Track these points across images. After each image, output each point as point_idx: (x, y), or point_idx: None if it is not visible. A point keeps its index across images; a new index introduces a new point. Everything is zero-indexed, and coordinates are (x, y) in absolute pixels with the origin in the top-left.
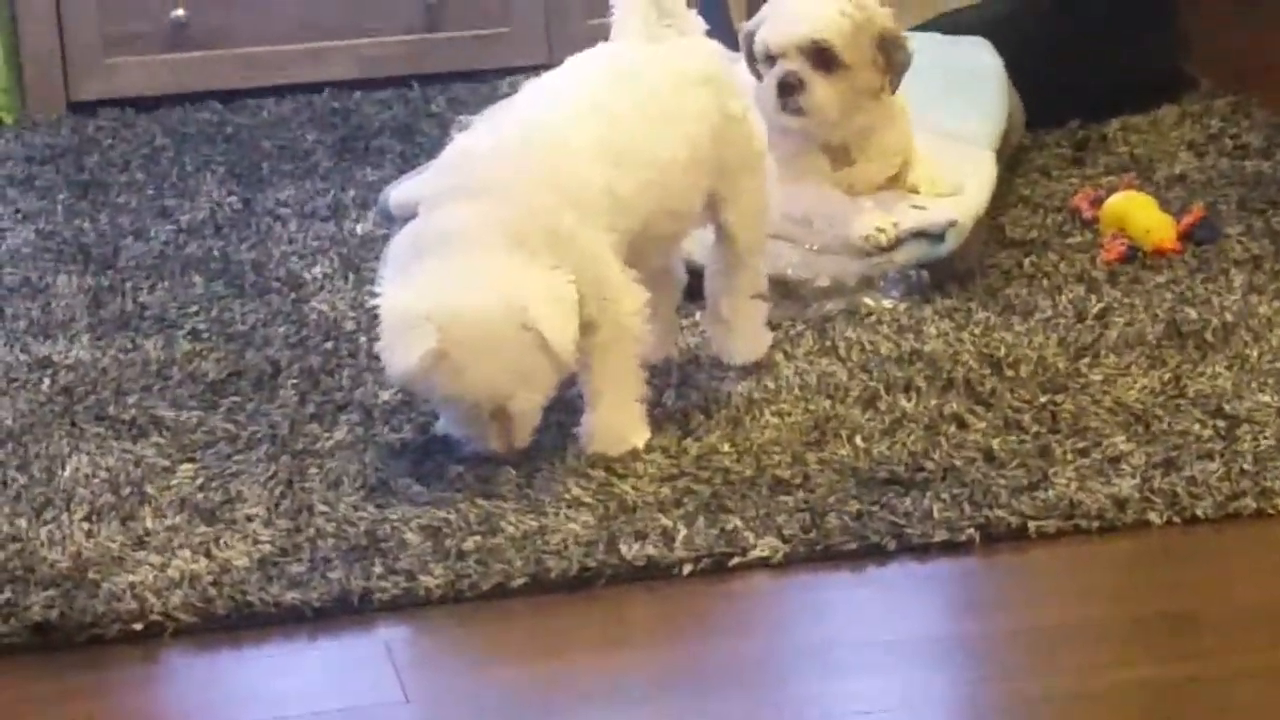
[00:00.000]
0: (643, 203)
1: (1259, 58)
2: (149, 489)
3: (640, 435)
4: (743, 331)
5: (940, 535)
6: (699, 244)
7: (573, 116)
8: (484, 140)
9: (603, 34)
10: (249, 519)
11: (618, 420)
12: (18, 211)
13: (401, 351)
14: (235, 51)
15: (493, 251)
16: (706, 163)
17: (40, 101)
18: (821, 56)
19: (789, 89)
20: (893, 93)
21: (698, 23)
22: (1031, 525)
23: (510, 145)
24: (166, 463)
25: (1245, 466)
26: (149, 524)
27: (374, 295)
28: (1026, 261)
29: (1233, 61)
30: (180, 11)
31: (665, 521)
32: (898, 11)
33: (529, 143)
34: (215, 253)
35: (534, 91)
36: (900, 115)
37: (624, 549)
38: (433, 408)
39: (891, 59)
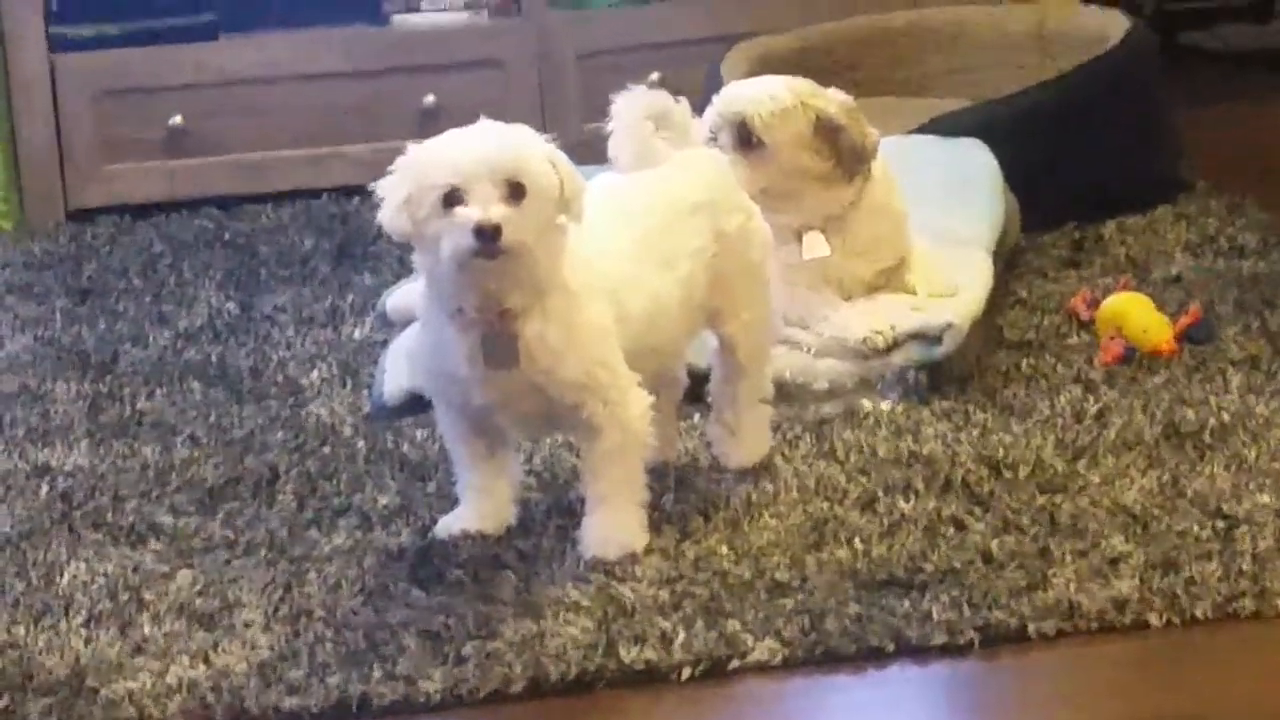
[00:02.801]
0: (636, 325)
1: (1254, 159)
2: (147, 595)
3: (640, 540)
4: (745, 436)
5: (940, 638)
6: (701, 348)
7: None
8: None
9: (599, 140)
10: (247, 625)
11: (618, 525)
12: (16, 318)
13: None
14: (233, 158)
15: None
16: (699, 309)
17: (39, 208)
18: (742, 134)
19: None
20: (847, 181)
21: (699, 131)
22: (1031, 627)
23: None
24: (165, 568)
25: (1244, 567)
26: (147, 630)
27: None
28: (1024, 363)
29: (1227, 163)
30: (178, 119)
31: (664, 625)
32: (891, 115)
33: None
34: (213, 358)
35: None
36: (892, 214)
37: (623, 653)
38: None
39: (836, 145)
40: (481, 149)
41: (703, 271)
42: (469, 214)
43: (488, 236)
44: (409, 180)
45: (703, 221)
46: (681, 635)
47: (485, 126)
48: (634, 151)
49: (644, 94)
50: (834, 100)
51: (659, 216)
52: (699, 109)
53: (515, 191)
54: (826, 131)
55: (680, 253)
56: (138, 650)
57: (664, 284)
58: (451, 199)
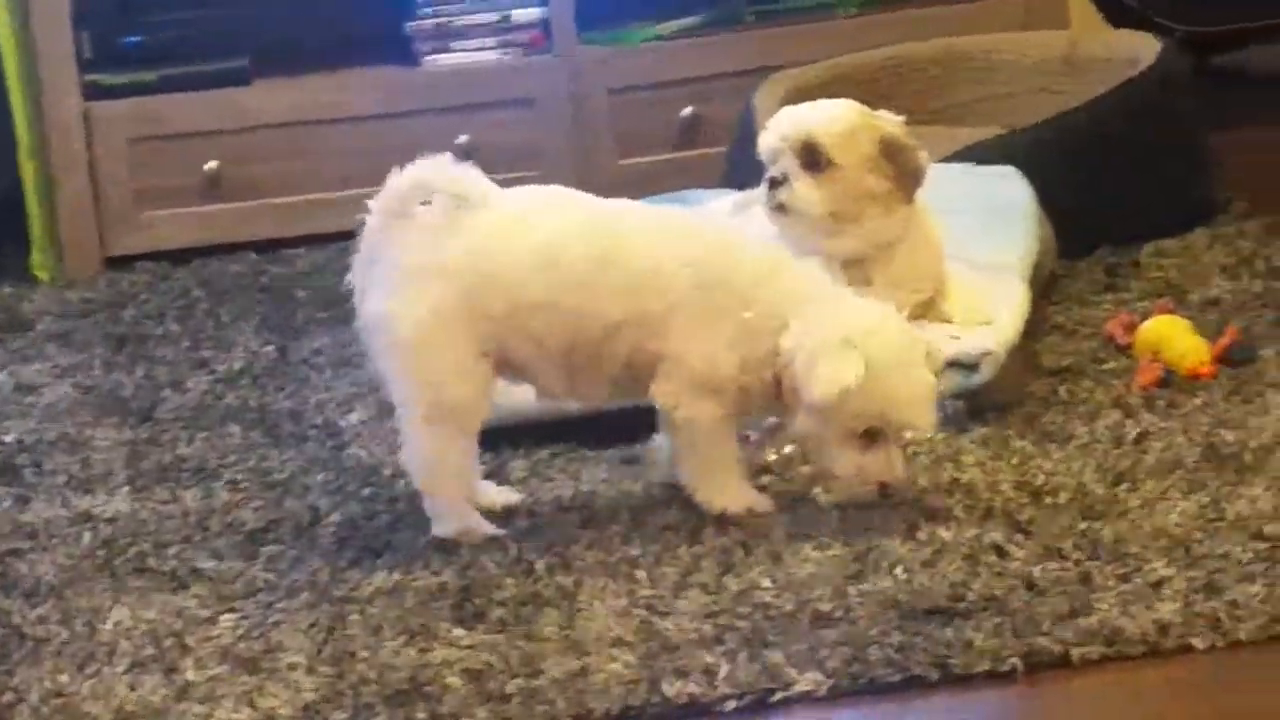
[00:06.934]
0: None
1: None
2: (190, 640)
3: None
4: None
5: (983, 665)
6: None
7: None
8: None
9: (634, 175)
10: (291, 667)
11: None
12: (55, 367)
13: (832, 373)
14: (268, 202)
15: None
16: None
17: (76, 258)
18: (810, 155)
19: (773, 184)
20: (907, 201)
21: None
22: (1075, 653)
23: None
24: (207, 613)
25: None
26: (191, 675)
27: None
28: (1062, 389)
29: (1263, 184)
30: (213, 164)
31: (707, 658)
32: (925, 144)
33: None
34: (252, 402)
35: None
36: (930, 242)
37: (666, 688)
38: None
39: (898, 165)
40: None
41: None
42: None
43: None
44: None
45: None
46: (725, 669)
47: None
48: None
49: None
50: (891, 121)
51: None
52: (734, 140)
53: None
54: (889, 152)
55: None
56: (182, 695)
57: None
58: None
